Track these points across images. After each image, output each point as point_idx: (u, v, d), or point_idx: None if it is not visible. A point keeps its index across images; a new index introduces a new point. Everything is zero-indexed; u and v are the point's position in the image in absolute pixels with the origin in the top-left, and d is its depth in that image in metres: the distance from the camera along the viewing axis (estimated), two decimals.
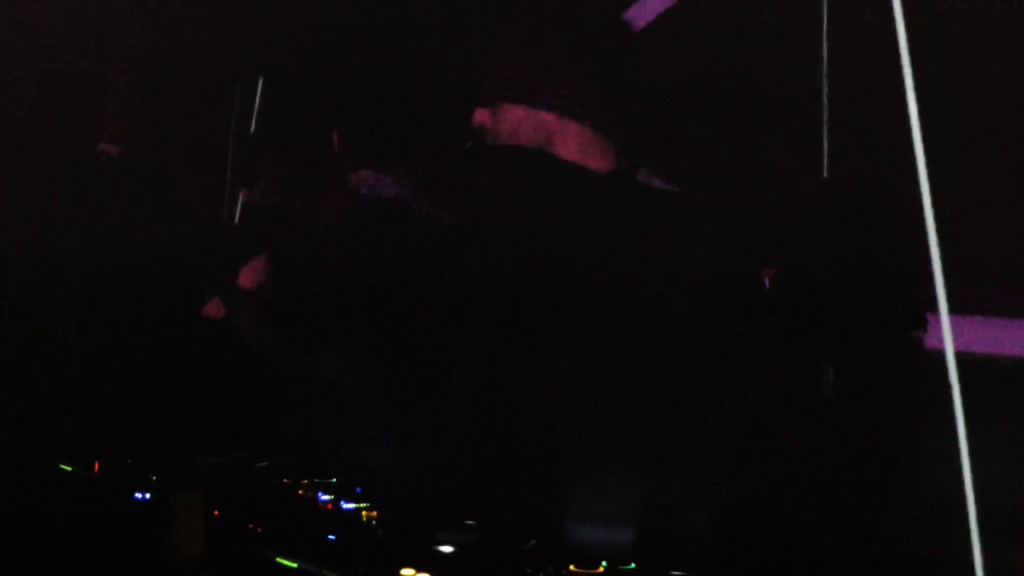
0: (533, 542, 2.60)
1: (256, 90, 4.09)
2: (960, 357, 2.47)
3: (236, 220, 4.02)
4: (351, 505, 2.92)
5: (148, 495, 2.91)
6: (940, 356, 2.48)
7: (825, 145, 2.87)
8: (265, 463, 3.31)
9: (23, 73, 3.82)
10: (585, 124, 2.85)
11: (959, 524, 2.39)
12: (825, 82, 2.88)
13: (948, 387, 2.45)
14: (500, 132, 2.93)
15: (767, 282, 2.75)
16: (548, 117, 2.87)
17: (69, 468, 3.27)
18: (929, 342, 2.56)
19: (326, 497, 2.98)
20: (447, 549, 2.56)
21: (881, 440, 2.54)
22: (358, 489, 3.02)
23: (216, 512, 2.81)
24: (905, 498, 2.51)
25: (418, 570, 2.41)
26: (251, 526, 2.77)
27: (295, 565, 2.55)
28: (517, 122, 2.91)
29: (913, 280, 2.59)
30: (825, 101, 2.87)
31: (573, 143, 2.85)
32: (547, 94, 2.89)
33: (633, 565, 2.47)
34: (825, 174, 3.02)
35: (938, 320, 2.51)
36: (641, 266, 2.70)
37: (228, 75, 4.08)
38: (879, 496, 2.48)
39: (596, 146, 2.84)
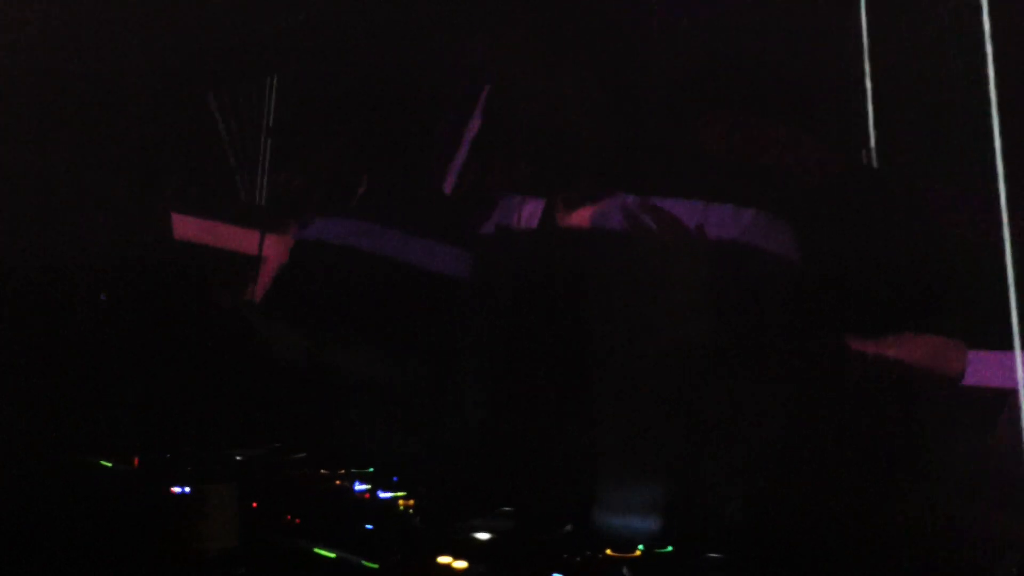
0: (569, 527, 2.60)
1: (272, 86, 4.10)
2: None
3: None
4: (388, 494, 2.93)
5: (186, 488, 2.92)
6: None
7: (872, 132, 2.85)
8: (301, 454, 3.33)
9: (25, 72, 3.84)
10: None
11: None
12: (867, 68, 2.85)
13: None
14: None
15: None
16: None
17: (109, 464, 3.30)
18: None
19: (362, 487, 2.99)
20: (483, 536, 2.56)
21: (909, 425, 2.52)
22: (395, 478, 3.03)
23: (254, 504, 2.83)
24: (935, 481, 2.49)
25: (454, 557, 2.41)
26: (288, 517, 2.78)
27: (333, 555, 2.56)
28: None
29: (940, 270, 2.57)
30: (869, 88, 2.84)
31: None
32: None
33: (670, 548, 2.47)
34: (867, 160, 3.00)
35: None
36: (662, 251, 2.69)
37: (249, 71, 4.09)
38: (909, 479, 2.46)
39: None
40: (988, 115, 2.55)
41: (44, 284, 3.81)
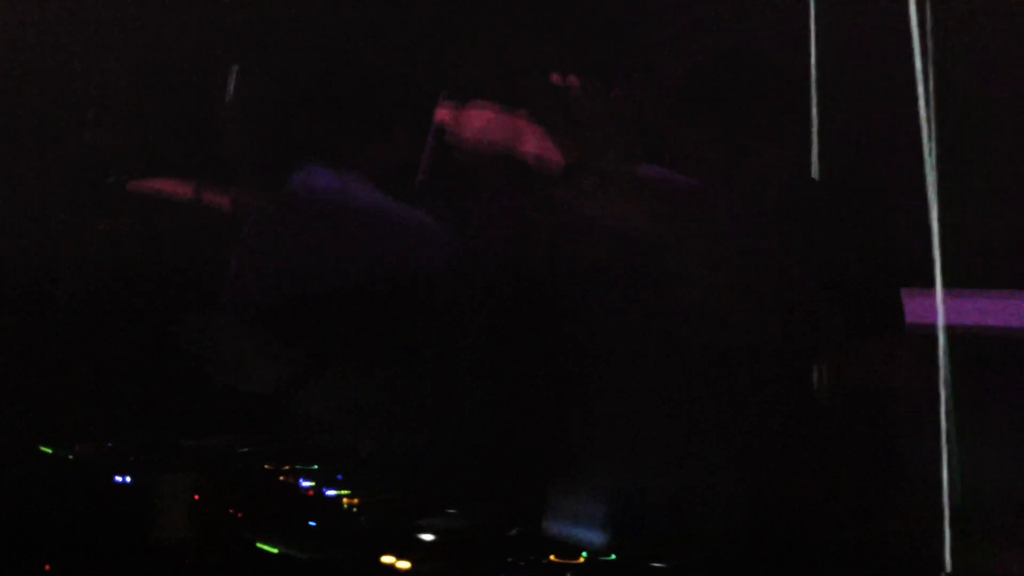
0: (515, 531, 2.60)
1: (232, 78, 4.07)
2: (951, 331, 2.48)
3: None
4: (333, 492, 2.93)
5: (129, 478, 2.91)
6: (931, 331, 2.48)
7: (815, 142, 2.88)
8: (247, 448, 3.31)
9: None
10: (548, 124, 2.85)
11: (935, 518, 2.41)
12: (814, 71, 2.88)
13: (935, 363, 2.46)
14: (465, 131, 2.94)
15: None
16: (516, 119, 2.87)
17: (49, 450, 3.26)
18: (922, 317, 2.56)
19: (308, 483, 2.99)
20: (428, 536, 2.57)
21: (875, 437, 2.55)
22: (339, 476, 3.02)
23: (196, 496, 2.81)
24: (892, 493, 2.52)
25: (399, 557, 2.42)
26: (231, 511, 2.77)
27: (276, 550, 2.55)
28: (485, 122, 2.92)
29: (901, 278, 2.60)
30: (814, 93, 2.87)
31: (532, 145, 2.85)
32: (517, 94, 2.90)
33: (613, 556, 2.48)
34: (815, 171, 3.04)
35: (933, 295, 2.52)
36: (636, 265, 2.71)
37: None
38: (873, 493, 2.49)
39: (556, 147, 2.84)
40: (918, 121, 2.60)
41: None
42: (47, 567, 2.71)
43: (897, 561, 2.39)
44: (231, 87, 3.88)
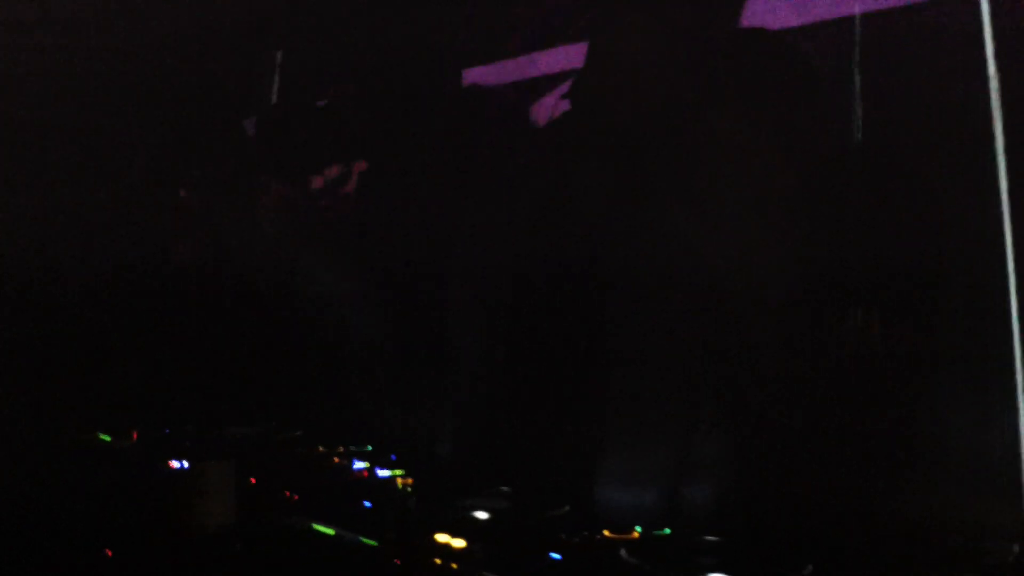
0: (567, 508, 2.60)
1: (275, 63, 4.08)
2: None
3: None
4: (386, 472, 2.93)
5: (185, 464, 2.93)
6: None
7: (858, 110, 2.83)
8: (299, 432, 3.33)
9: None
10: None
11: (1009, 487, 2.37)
12: (858, 44, 2.84)
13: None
14: None
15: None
16: None
17: (108, 438, 3.30)
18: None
19: (361, 465, 3.00)
20: (481, 515, 2.57)
21: (912, 405, 2.51)
22: (392, 456, 3.03)
23: (252, 480, 2.83)
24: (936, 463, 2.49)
25: (452, 536, 2.42)
26: (287, 494, 2.79)
27: (331, 532, 2.57)
28: None
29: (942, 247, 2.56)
30: (857, 61, 2.83)
31: None
32: None
33: (668, 530, 2.47)
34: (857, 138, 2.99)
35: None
36: (670, 233, 2.69)
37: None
38: (910, 461, 2.46)
39: None
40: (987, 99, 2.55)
41: (42, 267, 3.82)
42: (108, 552, 2.74)
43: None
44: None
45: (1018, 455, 2.37)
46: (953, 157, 2.57)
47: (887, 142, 2.73)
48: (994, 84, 2.51)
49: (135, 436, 3.28)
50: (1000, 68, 2.52)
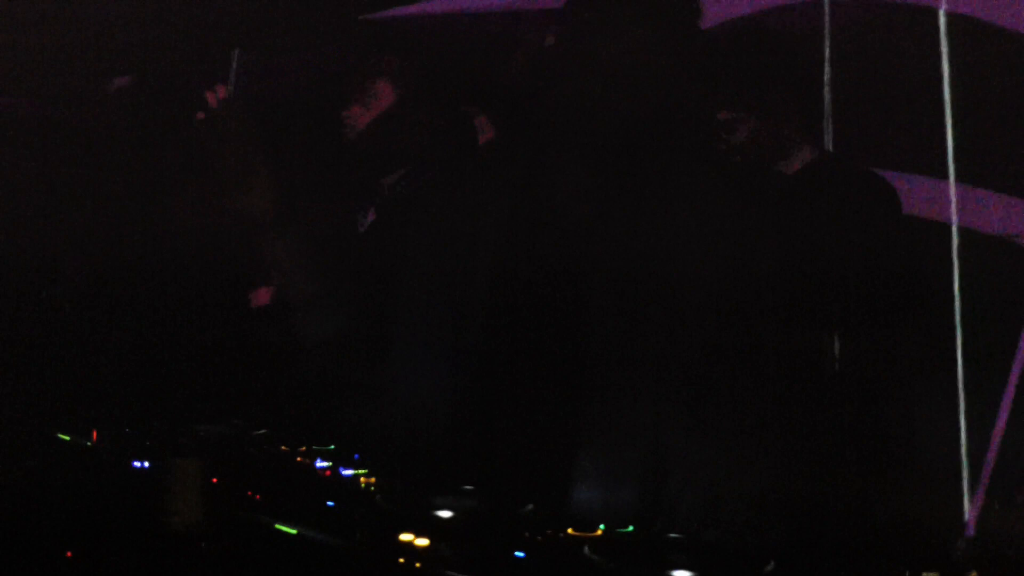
0: (531, 506, 2.61)
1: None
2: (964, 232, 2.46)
3: None
4: (349, 471, 2.93)
5: (146, 463, 2.91)
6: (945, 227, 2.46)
7: (828, 117, 2.86)
8: (263, 430, 3.32)
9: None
10: None
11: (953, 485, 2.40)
12: (828, 49, 2.87)
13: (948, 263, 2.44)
14: None
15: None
16: None
17: (67, 437, 3.27)
18: (935, 212, 2.54)
19: (324, 464, 2.99)
20: (445, 514, 2.57)
21: (884, 410, 2.55)
22: (356, 455, 3.03)
23: (215, 479, 2.82)
24: (904, 465, 2.52)
25: (416, 535, 2.42)
26: (250, 493, 2.78)
27: (294, 531, 2.56)
28: None
29: (918, 257, 2.59)
30: (828, 70, 2.86)
31: None
32: None
33: (631, 528, 2.48)
34: (829, 146, 3.02)
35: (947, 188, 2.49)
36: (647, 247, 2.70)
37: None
38: (882, 464, 2.49)
39: None
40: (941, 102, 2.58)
41: (13, 264, 3.79)
42: (68, 554, 2.72)
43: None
44: None
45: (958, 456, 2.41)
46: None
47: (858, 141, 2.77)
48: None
49: (95, 435, 3.25)
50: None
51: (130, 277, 3.87)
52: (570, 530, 2.45)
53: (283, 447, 3.16)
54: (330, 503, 2.69)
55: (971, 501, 2.56)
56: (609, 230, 2.77)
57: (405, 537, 2.42)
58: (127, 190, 3.92)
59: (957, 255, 2.63)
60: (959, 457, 2.59)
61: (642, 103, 2.74)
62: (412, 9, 3.49)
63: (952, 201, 2.63)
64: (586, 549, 2.33)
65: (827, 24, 2.86)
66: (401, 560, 2.37)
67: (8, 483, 2.95)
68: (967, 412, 2.59)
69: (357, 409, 3.29)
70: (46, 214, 3.85)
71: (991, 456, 2.57)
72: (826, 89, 2.86)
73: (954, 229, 2.60)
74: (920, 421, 2.56)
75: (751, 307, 2.61)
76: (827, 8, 2.88)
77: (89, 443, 3.21)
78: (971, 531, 2.52)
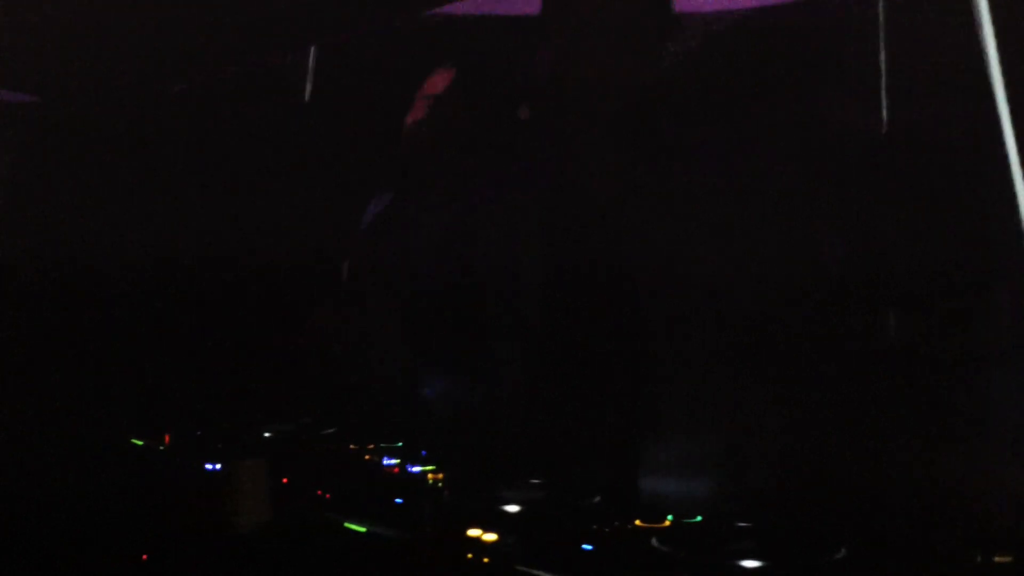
0: (598, 498, 2.60)
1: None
2: None
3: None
4: (417, 468, 2.94)
5: (219, 465, 2.94)
6: None
7: (884, 96, 2.81)
8: (331, 429, 3.34)
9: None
10: None
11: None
12: (882, 28, 2.82)
13: None
14: None
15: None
16: None
17: (140, 442, 3.32)
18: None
19: (392, 461, 3.01)
20: (512, 508, 2.57)
21: (949, 389, 2.50)
22: (423, 452, 3.04)
23: (284, 479, 2.84)
24: (975, 445, 2.47)
25: (485, 530, 2.42)
26: (319, 492, 2.80)
27: (364, 529, 2.57)
28: None
29: (977, 231, 2.54)
30: (882, 46, 2.81)
31: None
32: None
33: (699, 518, 2.47)
34: (884, 126, 2.96)
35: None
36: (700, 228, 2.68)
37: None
38: (952, 444, 2.44)
39: None
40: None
41: (73, 272, 3.84)
42: (144, 556, 2.76)
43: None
44: None
45: None
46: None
47: (915, 129, 2.72)
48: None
49: (167, 439, 3.29)
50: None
51: (197, 280, 3.91)
52: (638, 521, 2.44)
53: (351, 445, 3.17)
54: (398, 500, 2.70)
55: None
56: (655, 214, 2.76)
57: (473, 532, 2.42)
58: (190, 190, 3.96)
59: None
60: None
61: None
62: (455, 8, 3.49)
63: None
64: (654, 540, 2.32)
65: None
66: (469, 555, 2.37)
67: (86, 489, 2.99)
68: None
69: (424, 405, 3.30)
70: (104, 216, 3.90)
71: None
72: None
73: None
74: (994, 399, 2.50)
75: (813, 286, 2.58)
76: None
77: (162, 447, 3.26)
78: None
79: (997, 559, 2.04)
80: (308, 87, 4.02)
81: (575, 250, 2.95)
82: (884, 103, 2.76)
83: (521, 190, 3.14)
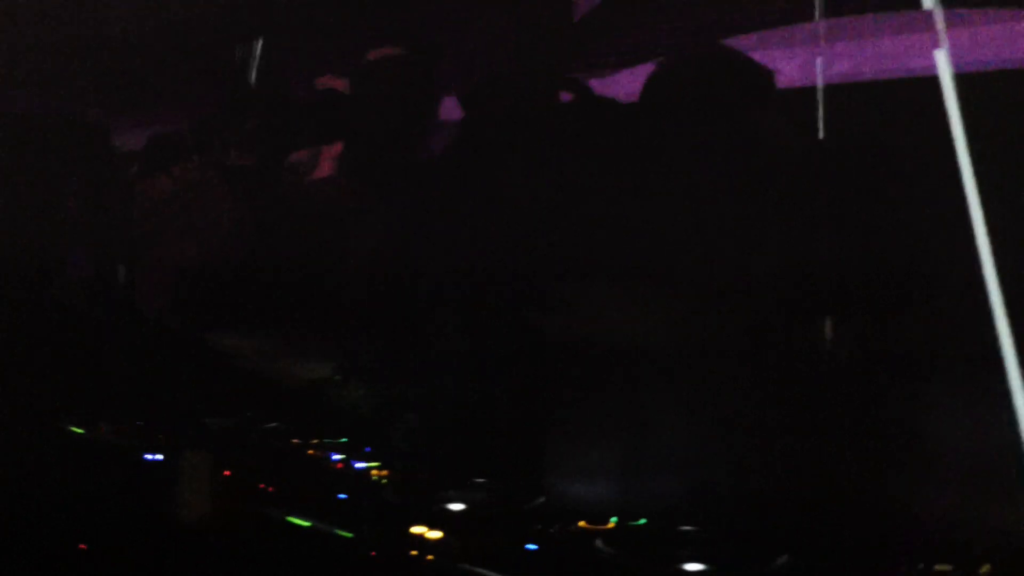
0: (542, 499, 2.60)
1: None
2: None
3: None
4: (362, 464, 2.93)
5: (159, 456, 2.92)
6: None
7: (820, 106, 2.84)
8: (275, 424, 3.32)
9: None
10: None
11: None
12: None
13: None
14: None
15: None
16: None
17: (80, 431, 3.28)
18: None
19: (337, 457, 2.99)
20: (456, 507, 2.57)
21: (898, 401, 2.53)
22: (367, 448, 3.03)
23: (227, 472, 2.82)
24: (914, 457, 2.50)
25: (428, 528, 2.42)
26: (262, 486, 2.78)
27: (307, 524, 2.56)
28: None
29: (921, 242, 2.57)
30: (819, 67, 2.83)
31: None
32: None
33: (643, 520, 2.48)
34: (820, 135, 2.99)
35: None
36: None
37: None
38: (890, 455, 2.47)
39: None
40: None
41: (17, 258, 3.80)
42: (82, 547, 2.73)
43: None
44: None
45: (1017, 454, 2.38)
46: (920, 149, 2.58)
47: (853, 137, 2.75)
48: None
49: (102, 429, 3.26)
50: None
51: (147, 270, 3.87)
52: (582, 523, 2.44)
53: (294, 440, 3.16)
54: (342, 496, 2.69)
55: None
56: (611, 225, 2.77)
57: (417, 530, 2.42)
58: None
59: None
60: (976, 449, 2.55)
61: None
62: None
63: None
64: (598, 541, 2.33)
65: None
66: (413, 553, 2.37)
67: (20, 477, 2.95)
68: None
69: (370, 402, 3.29)
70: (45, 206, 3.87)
71: None
72: None
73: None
74: (936, 410, 2.53)
75: (749, 295, 2.60)
76: None
77: (100, 436, 3.22)
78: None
79: (937, 568, 2.07)
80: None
81: (520, 250, 2.96)
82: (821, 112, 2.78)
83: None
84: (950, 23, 2.45)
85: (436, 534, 2.40)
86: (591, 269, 2.81)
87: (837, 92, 2.75)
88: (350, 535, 2.47)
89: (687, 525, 2.42)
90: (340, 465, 2.96)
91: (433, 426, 3.15)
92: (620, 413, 2.72)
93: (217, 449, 2.82)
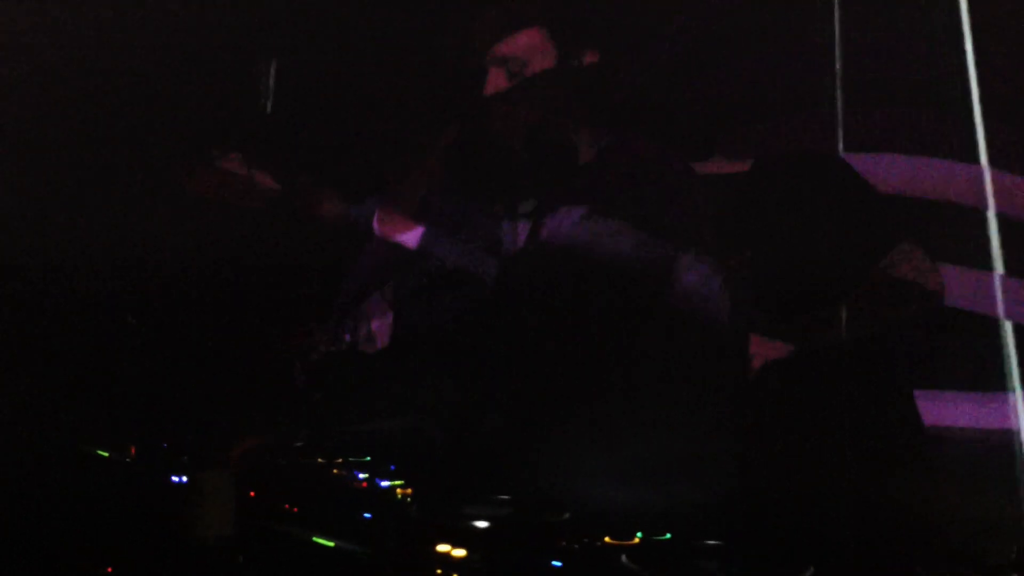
0: (567, 515, 2.59)
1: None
2: None
3: None
4: (386, 483, 2.93)
5: (184, 478, 2.92)
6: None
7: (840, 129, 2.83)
8: (299, 443, 3.32)
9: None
10: None
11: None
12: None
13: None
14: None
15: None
16: None
17: (106, 454, 3.29)
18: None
19: (361, 475, 2.99)
20: (481, 524, 2.56)
21: (905, 412, 2.52)
22: (392, 467, 3.03)
23: (252, 493, 2.82)
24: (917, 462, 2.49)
25: (452, 546, 2.41)
26: (286, 506, 2.78)
27: (331, 543, 2.56)
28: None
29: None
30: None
31: None
32: None
33: (668, 536, 2.47)
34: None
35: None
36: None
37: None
38: (906, 465, 2.46)
39: None
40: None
41: (42, 280, 3.81)
42: (109, 569, 2.73)
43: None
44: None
45: (1015, 456, 2.37)
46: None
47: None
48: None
49: (133, 451, 3.27)
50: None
51: (167, 290, 3.89)
52: (607, 538, 2.44)
53: (319, 459, 3.16)
54: (366, 515, 2.69)
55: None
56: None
57: (441, 548, 2.41)
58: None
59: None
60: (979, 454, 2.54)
61: None
62: None
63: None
64: (623, 557, 2.32)
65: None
66: (438, 571, 2.37)
67: (48, 500, 2.96)
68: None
69: (393, 421, 3.29)
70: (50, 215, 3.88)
71: None
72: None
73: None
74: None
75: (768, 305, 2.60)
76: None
77: (128, 459, 3.23)
78: None
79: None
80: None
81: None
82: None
83: None
84: None
85: (461, 552, 2.40)
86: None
87: None
88: (375, 554, 2.47)
89: (712, 540, 2.41)
90: (364, 484, 2.96)
91: (458, 442, 3.15)
92: (645, 428, 2.73)
93: (239, 469, 2.82)
